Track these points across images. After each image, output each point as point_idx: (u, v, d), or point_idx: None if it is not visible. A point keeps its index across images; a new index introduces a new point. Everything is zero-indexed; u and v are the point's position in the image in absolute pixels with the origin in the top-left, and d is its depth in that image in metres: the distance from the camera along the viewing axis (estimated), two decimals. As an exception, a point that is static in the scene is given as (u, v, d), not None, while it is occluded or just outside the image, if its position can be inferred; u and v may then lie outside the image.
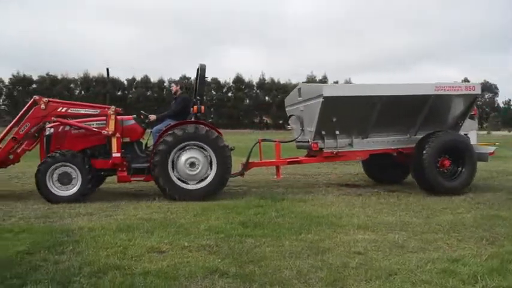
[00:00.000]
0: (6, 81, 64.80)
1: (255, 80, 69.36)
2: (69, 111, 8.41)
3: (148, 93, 65.61)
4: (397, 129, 8.96)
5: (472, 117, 9.92)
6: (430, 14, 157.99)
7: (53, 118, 8.18)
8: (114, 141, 8.03)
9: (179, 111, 8.55)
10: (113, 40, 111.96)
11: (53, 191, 7.70)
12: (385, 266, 4.16)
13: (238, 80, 68.65)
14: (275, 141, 9.15)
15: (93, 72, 65.47)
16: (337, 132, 8.68)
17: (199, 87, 8.62)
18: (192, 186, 7.97)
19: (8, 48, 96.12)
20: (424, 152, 8.29)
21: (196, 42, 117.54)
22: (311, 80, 71.75)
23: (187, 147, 7.97)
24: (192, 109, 8.42)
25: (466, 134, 9.18)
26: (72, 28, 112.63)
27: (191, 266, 4.13)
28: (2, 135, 8.38)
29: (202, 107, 8.45)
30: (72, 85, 66.22)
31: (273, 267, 4.14)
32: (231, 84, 69.13)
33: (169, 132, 7.89)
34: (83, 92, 65.94)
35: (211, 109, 64.72)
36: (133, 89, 66.50)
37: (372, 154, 9.01)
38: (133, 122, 8.55)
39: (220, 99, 66.44)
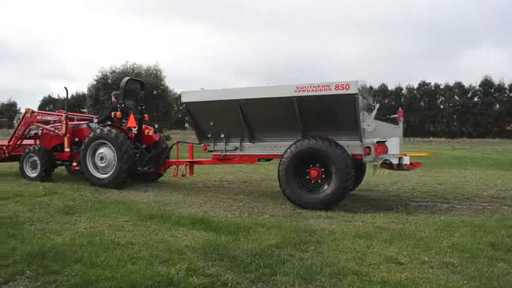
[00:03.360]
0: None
1: (508, 82, 60.81)
2: (42, 118, 12.02)
3: (386, 101, 64.83)
4: (285, 134, 8.30)
5: (394, 122, 8.04)
6: None
7: (35, 124, 11.61)
8: (65, 139, 10.83)
9: (107, 116, 10.63)
10: (347, 52, 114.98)
11: (26, 173, 11.16)
12: None
13: (486, 83, 61.24)
14: (189, 143, 10.08)
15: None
16: (222, 135, 8.92)
17: (120, 96, 10.78)
18: (108, 175, 9.90)
19: (258, 64, 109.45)
20: (281, 160, 7.86)
21: (437, 46, 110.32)
22: None
23: (101, 145, 10.01)
24: (116, 114, 10.36)
25: (384, 142, 7.61)
26: (308, 44, 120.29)
27: (432, 283, 3.90)
28: (11, 136, 12.15)
29: (118, 113, 10.34)
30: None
31: (532, 300, 3.56)
32: (477, 88, 62.31)
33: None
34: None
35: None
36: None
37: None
38: (85, 126, 11.11)
39: (464, 105, 60.63)
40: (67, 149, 10.86)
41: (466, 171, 14.64)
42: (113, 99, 11.45)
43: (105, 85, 46.88)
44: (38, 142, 11.77)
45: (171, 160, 10.51)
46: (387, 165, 7.78)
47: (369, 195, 9.34)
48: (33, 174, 11.11)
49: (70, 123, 11.16)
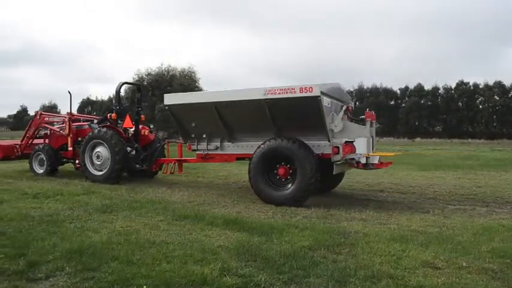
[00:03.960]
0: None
1: (552, 82, 58.16)
2: (49, 119, 13.06)
3: (422, 102, 63.37)
4: (260, 134, 8.62)
5: (362, 123, 8.47)
6: None
7: (43, 124, 12.79)
8: (69, 139, 11.83)
9: (105, 118, 11.68)
10: (386, 51, 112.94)
11: (35, 169, 12.24)
12: None
13: (528, 83, 58.81)
14: (178, 142, 10.72)
15: (368, 84, 67.68)
16: (204, 135, 9.43)
17: (116, 99, 11.88)
18: (103, 172, 10.69)
19: (296, 66, 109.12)
20: (251, 158, 8.27)
21: (476, 44, 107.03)
22: None
23: (98, 144, 10.83)
24: (111, 116, 11.40)
25: (352, 142, 7.93)
26: (349, 45, 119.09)
27: (470, 289, 3.79)
28: (23, 136, 13.33)
29: (113, 115, 11.33)
30: (347, 96, 69.91)
31: None
32: (519, 87, 59.94)
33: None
34: (357, 103, 68.75)
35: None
36: (407, 98, 65.40)
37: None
38: (87, 126, 12.00)
39: (505, 105, 58.44)
40: (70, 148, 11.89)
41: (507, 174, 14.10)
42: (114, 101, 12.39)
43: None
44: (47, 141, 12.74)
45: (161, 158, 11.26)
46: (355, 164, 7.99)
47: (404, 198, 9.15)
48: (40, 170, 12.22)
49: (75, 124, 12.23)
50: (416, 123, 62.88)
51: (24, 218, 6.33)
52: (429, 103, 63.10)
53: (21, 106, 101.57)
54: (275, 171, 8.15)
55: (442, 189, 10.41)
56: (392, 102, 66.12)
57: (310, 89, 7.72)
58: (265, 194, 8.10)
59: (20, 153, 13.15)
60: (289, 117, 8.24)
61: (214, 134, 9.33)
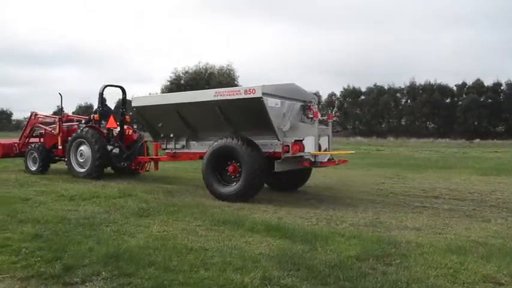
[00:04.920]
0: (338, 94, 72.83)
1: None
2: (43, 120, 14.36)
3: (482, 99, 61.15)
4: (221, 134, 9.19)
5: (311, 122, 9.33)
6: None
7: (37, 124, 14.11)
8: (59, 138, 13.05)
9: (90, 119, 12.88)
10: (438, 46, 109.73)
11: (29, 166, 13.49)
12: None
13: None
14: (154, 142, 11.36)
15: (420, 80, 65.98)
16: (172, 135, 10.42)
17: (99, 101, 12.90)
18: (85, 169, 12.02)
19: (341, 62, 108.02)
20: (204, 156, 9.13)
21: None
22: None
23: (81, 143, 12.14)
24: (94, 117, 12.69)
25: (301, 140, 8.65)
26: (398, 39, 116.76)
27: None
28: (20, 135, 14.71)
29: (96, 116, 12.65)
30: (398, 94, 68.48)
31: None
32: None
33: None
34: (409, 101, 67.21)
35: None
36: (464, 95, 63.31)
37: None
38: (76, 126, 13.16)
39: None
40: (60, 147, 13.16)
41: None
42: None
43: (179, 85, 48.89)
44: (41, 140, 14.05)
45: (139, 157, 12.42)
46: (302, 161, 8.77)
47: (462, 205, 8.84)
48: (33, 168, 13.52)
49: (66, 124, 13.55)
50: (476, 123, 60.75)
51: (61, 221, 6.56)
52: (490, 100, 60.77)
53: (58, 106, 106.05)
54: (226, 169, 8.94)
55: (505, 196, 10.01)
56: (448, 100, 64.12)
57: (253, 91, 8.44)
58: (215, 190, 8.93)
59: (18, 151, 14.58)
60: (239, 117, 9.05)
61: (181, 134, 10.37)
